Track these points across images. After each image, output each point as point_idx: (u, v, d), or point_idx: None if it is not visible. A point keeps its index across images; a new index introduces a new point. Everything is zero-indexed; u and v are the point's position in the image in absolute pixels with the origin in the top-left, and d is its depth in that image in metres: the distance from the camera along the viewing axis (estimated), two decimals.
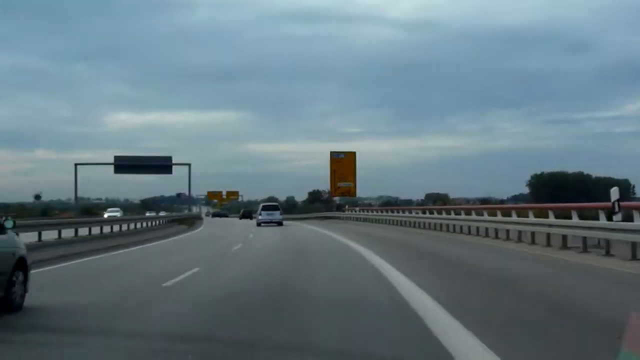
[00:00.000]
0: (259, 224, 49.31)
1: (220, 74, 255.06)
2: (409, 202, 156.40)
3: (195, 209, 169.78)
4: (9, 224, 9.20)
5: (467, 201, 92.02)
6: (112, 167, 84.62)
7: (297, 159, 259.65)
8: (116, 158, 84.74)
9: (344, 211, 65.90)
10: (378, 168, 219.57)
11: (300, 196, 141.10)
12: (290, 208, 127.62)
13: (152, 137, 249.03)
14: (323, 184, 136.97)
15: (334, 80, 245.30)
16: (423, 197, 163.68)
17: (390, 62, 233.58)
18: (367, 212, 54.90)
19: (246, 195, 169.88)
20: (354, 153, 71.86)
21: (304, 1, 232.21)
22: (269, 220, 49.71)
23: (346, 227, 42.47)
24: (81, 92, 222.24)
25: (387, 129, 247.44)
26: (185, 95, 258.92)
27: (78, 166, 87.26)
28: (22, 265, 9.02)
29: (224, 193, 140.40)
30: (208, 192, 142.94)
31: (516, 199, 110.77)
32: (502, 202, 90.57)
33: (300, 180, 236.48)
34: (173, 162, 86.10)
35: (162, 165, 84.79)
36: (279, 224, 49.43)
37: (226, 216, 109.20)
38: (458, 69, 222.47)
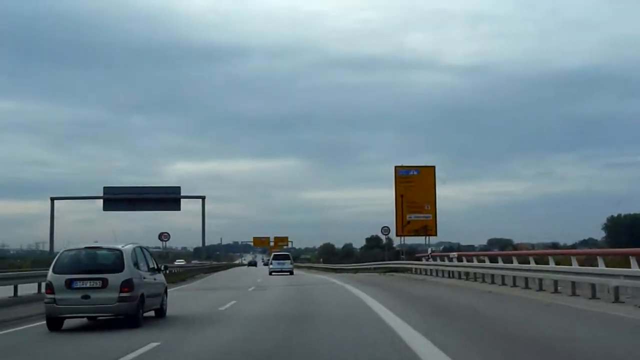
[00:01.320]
0: (270, 273, 49.79)
1: (276, 122, 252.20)
2: (471, 248, 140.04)
3: (248, 257, 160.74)
4: (162, 268, 16.93)
5: (532, 246, 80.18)
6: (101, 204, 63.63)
7: (354, 205, 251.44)
8: (106, 190, 62.84)
9: (420, 259, 41.28)
10: (437, 214, 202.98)
11: (359, 243, 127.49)
12: (347, 256, 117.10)
13: (210, 186, 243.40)
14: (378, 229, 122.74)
15: (390, 126, 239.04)
16: (485, 243, 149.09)
17: (445, 107, 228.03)
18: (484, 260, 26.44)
19: (300, 243, 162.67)
20: (433, 168, 46.95)
21: (357, 49, 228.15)
22: (280, 270, 50.20)
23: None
24: (139, 143, 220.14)
25: (443, 175, 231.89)
26: (241, 143, 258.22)
27: (62, 203, 66.97)
28: (165, 291, 16.09)
29: (272, 239, 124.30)
30: (254, 238, 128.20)
31: (586, 244, 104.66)
32: (572, 247, 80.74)
33: (357, 227, 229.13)
34: (182, 194, 63.93)
35: (166, 198, 62.64)
36: (290, 272, 49.90)
37: (255, 265, 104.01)
38: (515, 113, 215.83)
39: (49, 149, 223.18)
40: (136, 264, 14.09)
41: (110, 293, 13.23)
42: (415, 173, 46.19)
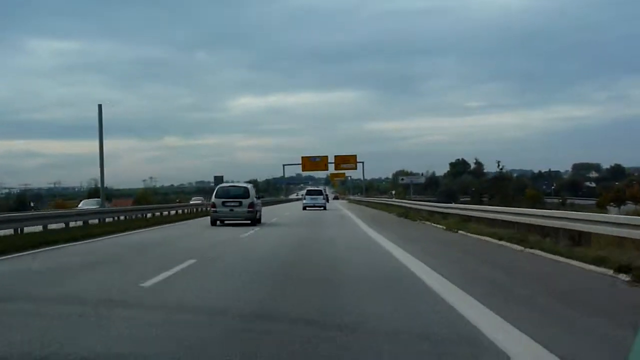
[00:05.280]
0: (304, 208, 53.26)
1: (338, 54, 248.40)
2: (556, 174, 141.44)
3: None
4: (261, 196, 33.86)
5: None
6: None
7: (420, 135, 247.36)
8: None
9: None
10: (502, 142, 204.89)
11: (437, 171, 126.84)
12: (432, 186, 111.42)
13: (273, 120, 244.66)
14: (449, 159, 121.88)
15: (454, 54, 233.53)
16: (569, 169, 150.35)
17: (512, 32, 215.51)
18: None
19: (368, 174, 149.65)
20: None
21: None
22: (313, 205, 53.61)
23: None
24: (204, 79, 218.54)
25: (511, 102, 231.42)
26: (304, 76, 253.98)
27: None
28: (261, 209, 30.11)
29: (330, 159, 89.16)
30: (302, 158, 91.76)
31: None
32: None
33: (423, 157, 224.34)
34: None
35: None
36: (323, 207, 53.56)
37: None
38: (587, 34, 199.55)
39: (115, 88, 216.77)
40: (253, 194, 27.85)
41: (243, 208, 26.92)
42: None
